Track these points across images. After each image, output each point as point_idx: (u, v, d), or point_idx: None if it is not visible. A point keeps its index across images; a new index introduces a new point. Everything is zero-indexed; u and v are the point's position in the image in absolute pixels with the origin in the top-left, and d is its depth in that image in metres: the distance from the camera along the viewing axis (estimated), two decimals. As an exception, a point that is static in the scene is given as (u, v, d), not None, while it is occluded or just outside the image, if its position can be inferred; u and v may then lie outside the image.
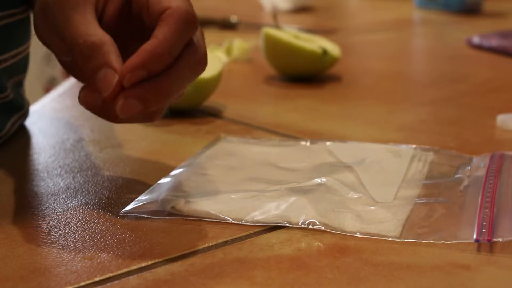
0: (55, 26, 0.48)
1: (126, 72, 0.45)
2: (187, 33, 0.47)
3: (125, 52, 0.48)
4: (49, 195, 0.54)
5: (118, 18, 0.51)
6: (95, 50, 0.46)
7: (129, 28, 0.51)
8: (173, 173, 0.56)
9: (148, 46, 0.46)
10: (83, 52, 0.46)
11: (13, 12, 0.63)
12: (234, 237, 0.46)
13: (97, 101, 0.47)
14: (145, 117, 0.49)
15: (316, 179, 0.53)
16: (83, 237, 0.46)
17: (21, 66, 0.68)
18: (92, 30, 0.47)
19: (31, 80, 0.81)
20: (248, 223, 0.48)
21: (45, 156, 0.63)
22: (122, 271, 0.42)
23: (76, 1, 0.48)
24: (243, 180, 0.55)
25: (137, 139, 0.68)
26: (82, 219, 0.49)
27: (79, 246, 0.45)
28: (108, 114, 0.48)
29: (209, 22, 1.29)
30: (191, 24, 0.47)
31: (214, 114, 0.75)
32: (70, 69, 0.52)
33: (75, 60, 0.47)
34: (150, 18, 0.48)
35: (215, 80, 0.75)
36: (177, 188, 0.53)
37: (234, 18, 1.29)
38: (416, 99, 0.85)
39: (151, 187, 0.53)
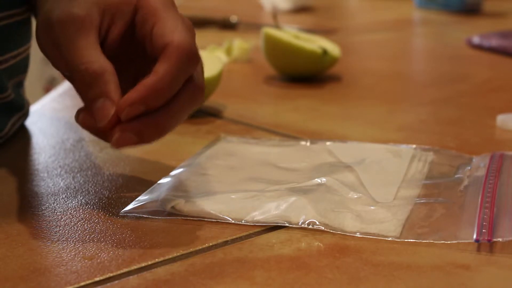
0: (58, 44, 0.48)
1: (124, 106, 0.45)
2: (188, 70, 0.47)
3: (126, 75, 0.48)
4: (49, 195, 0.54)
5: (121, 41, 0.50)
6: (95, 79, 0.46)
7: (132, 51, 0.51)
8: (173, 173, 0.56)
9: (148, 81, 0.45)
10: (84, 78, 0.46)
11: (13, 13, 0.63)
12: (234, 237, 0.46)
13: (93, 125, 0.47)
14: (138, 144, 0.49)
15: (316, 179, 0.53)
16: (83, 237, 0.46)
17: (22, 67, 0.68)
18: (94, 57, 0.46)
19: (31, 80, 0.82)
20: (248, 223, 0.48)
21: (45, 156, 0.63)
22: (122, 271, 0.42)
23: (80, 24, 0.47)
24: (243, 180, 0.55)
25: (137, 139, 0.68)
26: (82, 219, 0.49)
27: (79, 246, 0.45)
28: (104, 136, 0.48)
29: (209, 22, 1.29)
30: (193, 61, 0.47)
31: (214, 114, 0.75)
32: (70, 80, 0.52)
33: (74, 86, 0.48)
34: (152, 49, 0.48)
35: (215, 80, 0.75)
36: (177, 188, 0.53)
37: (234, 18, 1.29)
38: (416, 99, 0.85)
39: (151, 187, 0.53)
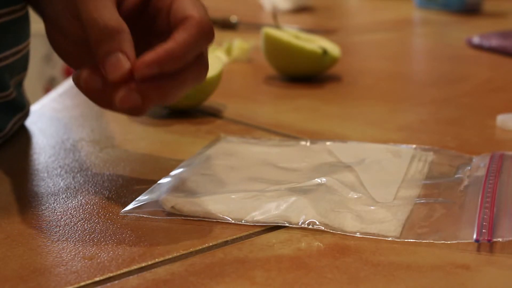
0: (76, 5, 0.48)
1: (141, 65, 0.46)
2: (203, 44, 0.49)
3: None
4: (49, 195, 0.54)
5: (134, 11, 0.51)
6: (112, 34, 0.47)
7: (140, 23, 0.52)
8: (173, 173, 0.56)
9: (166, 46, 0.47)
10: (100, 33, 0.47)
11: (12, 9, 0.63)
12: (234, 237, 0.46)
13: (97, 85, 0.48)
14: (133, 110, 0.50)
15: (316, 179, 0.53)
16: (83, 237, 0.46)
17: (22, 65, 0.68)
18: (112, 15, 0.48)
19: (31, 80, 0.82)
20: (248, 223, 0.48)
21: (45, 156, 0.63)
22: (122, 271, 0.42)
23: None
24: (243, 180, 0.55)
25: (137, 139, 0.68)
26: (82, 219, 0.49)
27: (79, 246, 0.45)
28: (102, 100, 0.48)
29: (209, 22, 1.29)
30: (209, 36, 0.49)
31: (214, 114, 0.75)
32: (66, 54, 0.53)
33: (89, 38, 0.48)
34: (169, 21, 0.49)
35: (215, 80, 0.75)
36: (177, 188, 0.53)
37: (234, 18, 1.29)
38: (416, 99, 0.85)
39: (151, 187, 0.53)
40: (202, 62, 0.50)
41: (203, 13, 0.49)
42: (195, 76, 0.49)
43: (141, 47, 0.48)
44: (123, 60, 0.46)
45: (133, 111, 0.50)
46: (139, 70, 0.46)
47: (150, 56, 0.46)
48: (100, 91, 0.48)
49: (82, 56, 0.51)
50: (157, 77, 0.47)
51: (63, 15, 0.51)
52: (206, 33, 0.49)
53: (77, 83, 0.49)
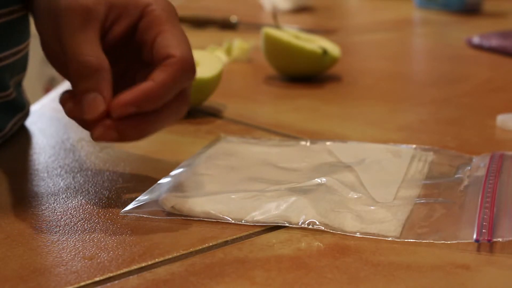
0: (59, 31, 0.49)
1: (117, 105, 0.47)
2: (184, 83, 0.49)
3: (115, 73, 0.49)
4: (49, 195, 0.54)
5: (120, 41, 0.51)
6: (91, 73, 0.47)
7: (126, 53, 0.52)
8: (173, 173, 0.56)
9: (144, 86, 0.47)
10: (79, 70, 0.47)
11: (12, 9, 0.63)
12: (234, 237, 0.46)
13: (79, 115, 0.48)
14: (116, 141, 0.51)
15: (316, 179, 0.53)
16: (83, 237, 0.46)
17: (22, 65, 0.68)
18: (94, 52, 0.48)
19: (31, 80, 0.82)
20: (248, 223, 0.48)
21: (45, 156, 0.63)
22: (122, 271, 0.42)
23: (86, 14, 0.48)
24: (243, 180, 0.55)
25: (137, 139, 0.68)
26: (82, 219, 0.49)
27: (79, 246, 0.45)
28: (85, 126, 0.49)
29: (209, 22, 1.29)
30: (190, 75, 0.49)
31: (214, 114, 0.75)
32: (56, 62, 0.53)
33: (68, 72, 0.48)
34: (152, 57, 0.49)
35: (215, 80, 0.75)
36: (177, 188, 0.53)
37: (234, 18, 1.29)
38: (416, 99, 0.85)
39: (151, 187, 0.53)
40: (182, 98, 0.50)
41: (185, 51, 0.48)
42: (175, 112, 0.49)
43: (128, 74, 0.49)
44: (98, 101, 0.47)
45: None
46: (115, 110, 0.47)
47: (126, 96, 0.47)
48: (81, 120, 0.49)
49: None
50: (134, 115, 0.47)
51: (51, 39, 0.51)
52: (186, 72, 0.48)
53: (62, 106, 0.50)
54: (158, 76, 0.47)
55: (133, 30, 0.51)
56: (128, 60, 0.52)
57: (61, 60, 0.52)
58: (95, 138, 0.48)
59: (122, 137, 0.48)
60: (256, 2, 1.57)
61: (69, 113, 0.49)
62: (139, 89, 0.47)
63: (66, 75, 0.53)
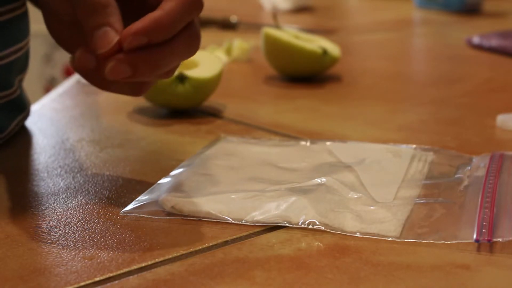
0: None
1: (128, 35, 0.46)
2: (192, 13, 0.48)
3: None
4: (49, 195, 0.54)
5: None
6: (99, 8, 0.47)
7: (130, 3, 0.51)
8: (173, 173, 0.56)
9: (154, 15, 0.47)
10: (87, 8, 0.47)
11: (13, 6, 0.63)
12: (234, 237, 0.46)
13: (91, 63, 0.48)
14: (131, 89, 0.50)
15: (316, 179, 0.53)
16: (83, 237, 0.46)
17: (23, 63, 0.68)
18: None
19: (31, 80, 0.82)
20: (248, 223, 0.48)
21: (45, 156, 0.63)
22: (122, 271, 0.42)
23: None
24: (243, 180, 0.55)
25: (137, 139, 0.68)
26: (82, 219, 0.49)
27: (79, 246, 0.45)
28: (97, 79, 0.49)
29: (209, 22, 1.29)
30: (197, 6, 0.49)
31: (214, 114, 0.75)
32: (63, 40, 0.53)
33: (77, 15, 0.48)
34: None
35: (215, 80, 0.75)
36: (177, 188, 0.53)
37: (234, 18, 1.29)
38: (416, 99, 0.85)
39: (151, 187, 0.53)
40: (192, 31, 0.49)
41: None
42: (185, 46, 0.49)
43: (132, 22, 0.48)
44: (110, 33, 0.46)
45: (129, 90, 0.50)
46: (126, 41, 0.46)
47: (137, 26, 0.46)
48: (94, 70, 0.48)
49: (78, 40, 0.51)
50: (146, 48, 0.47)
51: None
52: (194, 2, 0.48)
53: (72, 64, 0.49)
54: (166, 5, 0.47)
55: None
56: (134, 9, 0.51)
57: (67, 35, 0.52)
58: (108, 73, 0.46)
59: (135, 72, 0.47)
60: (256, 2, 1.57)
61: (80, 63, 0.48)
62: (149, 17, 0.46)
63: (72, 50, 0.53)
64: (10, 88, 0.64)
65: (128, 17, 0.50)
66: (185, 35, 0.49)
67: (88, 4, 0.47)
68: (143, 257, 0.44)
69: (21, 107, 0.68)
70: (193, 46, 0.50)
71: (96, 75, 0.48)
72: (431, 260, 0.43)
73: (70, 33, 0.52)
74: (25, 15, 0.66)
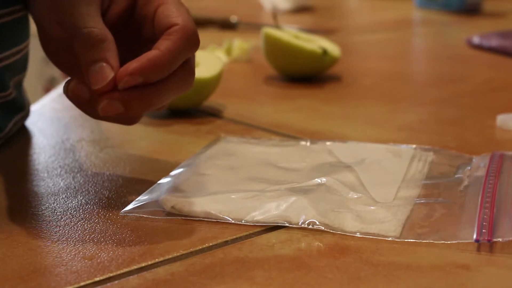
0: (60, 8, 0.49)
1: (125, 74, 0.46)
2: (188, 52, 0.49)
3: (120, 59, 0.49)
4: (49, 195, 0.54)
5: (118, 20, 0.51)
6: (97, 43, 0.47)
7: (125, 35, 0.52)
8: (173, 173, 0.56)
9: (150, 55, 0.47)
10: (84, 42, 0.47)
11: (13, 9, 0.63)
12: (234, 237, 0.46)
13: (84, 95, 0.48)
14: (124, 120, 0.51)
15: (316, 179, 0.53)
16: (83, 237, 0.46)
17: (22, 65, 0.68)
18: (97, 24, 0.48)
19: (31, 80, 0.82)
20: (248, 223, 0.48)
21: (45, 156, 0.63)
22: (122, 271, 0.42)
23: None
24: (243, 180, 0.55)
25: (137, 139, 0.68)
26: (82, 219, 0.49)
27: (79, 246, 0.45)
28: (89, 109, 0.49)
29: (209, 22, 1.29)
30: (194, 44, 0.49)
31: (214, 114, 0.75)
32: (56, 58, 0.53)
33: (74, 47, 0.48)
34: (153, 30, 0.49)
35: (215, 80, 0.75)
36: (177, 188, 0.53)
37: (234, 18, 1.29)
38: (416, 99, 0.85)
39: (151, 187, 0.53)
40: (187, 69, 0.49)
41: (187, 20, 0.49)
42: (180, 84, 0.49)
43: (128, 56, 0.49)
44: (106, 70, 0.46)
45: (123, 120, 0.50)
46: (122, 80, 0.46)
47: (133, 65, 0.46)
48: (87, 101, 0.48)
49: (71, 61, 0.51)
50: (140, 86, 0.47)
51: (47, 20, 0.50)
52: (190, 40, 0.48)
53: (65, 93, 0.49)
54: (163, 44, 0.47)
55: (132, 8, 0.51)
56: (128, 40, 0.52)
57: (62, 56, 0.52)
58: (101, 110, 0.47)
59: (128, 109, 0.47)
60: (256, 2, 1.57)
61: (74, 94, 0.48)
62: (146, 57, 0.46)
63: (67, 71, 0.53)
64: (6, 90, 0.64)
65: (124, 49, 0.50)
66: (180, 73, 0.49)
67: (85, 37, 0.47)
68: (143, 257, 0.44)
69: (18, 108, 0.68)
70: (187, 82, 0.50)
71: (88, 105, 0.49)
72: (431, 260, 0.43)
73: (64, 54, 0.52)
74: (24, 18, 0.66)
